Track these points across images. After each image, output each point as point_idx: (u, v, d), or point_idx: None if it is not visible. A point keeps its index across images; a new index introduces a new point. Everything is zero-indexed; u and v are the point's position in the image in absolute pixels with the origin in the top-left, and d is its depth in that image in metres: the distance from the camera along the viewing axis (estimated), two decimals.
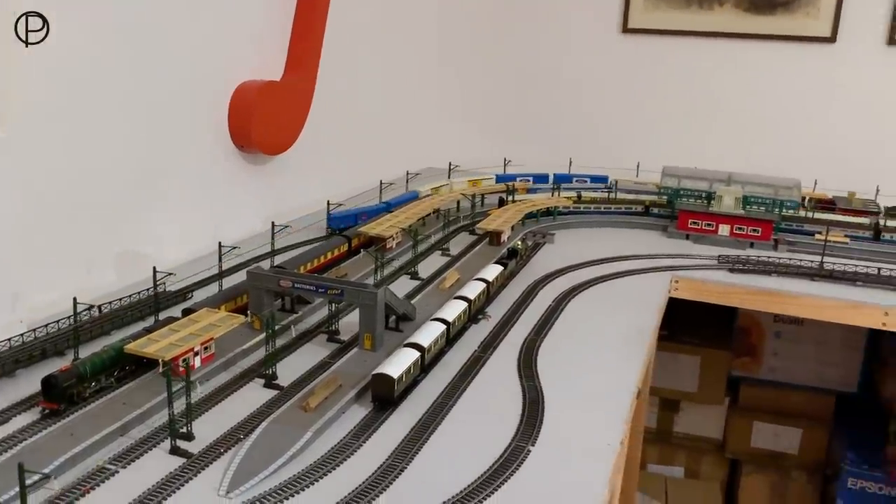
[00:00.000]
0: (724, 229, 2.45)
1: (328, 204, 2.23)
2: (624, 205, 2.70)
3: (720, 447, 2.87)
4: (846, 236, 2.46)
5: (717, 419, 2.86)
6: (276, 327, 1.57)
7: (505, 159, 3.08)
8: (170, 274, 1.59)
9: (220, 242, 1.75)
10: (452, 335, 1.54)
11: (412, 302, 1.74)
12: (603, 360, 1.54)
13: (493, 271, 1.82)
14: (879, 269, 2.12)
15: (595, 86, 3.33)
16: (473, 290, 1.68)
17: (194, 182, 2.05)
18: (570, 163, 3.14)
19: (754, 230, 2.42)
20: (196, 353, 1.36)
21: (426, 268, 2.04)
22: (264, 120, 2.14)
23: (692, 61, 3.16)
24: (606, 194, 2.76)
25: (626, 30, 3.18)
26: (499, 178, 2.88)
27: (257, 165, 2.30)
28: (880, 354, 2.69)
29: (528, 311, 1.77)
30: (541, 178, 2.93)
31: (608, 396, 1.38)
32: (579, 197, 2.73)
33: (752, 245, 2.42)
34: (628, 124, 3.31)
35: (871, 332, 2.19)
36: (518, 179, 2.90)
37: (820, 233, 2.48)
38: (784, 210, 2.52)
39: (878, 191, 2.84)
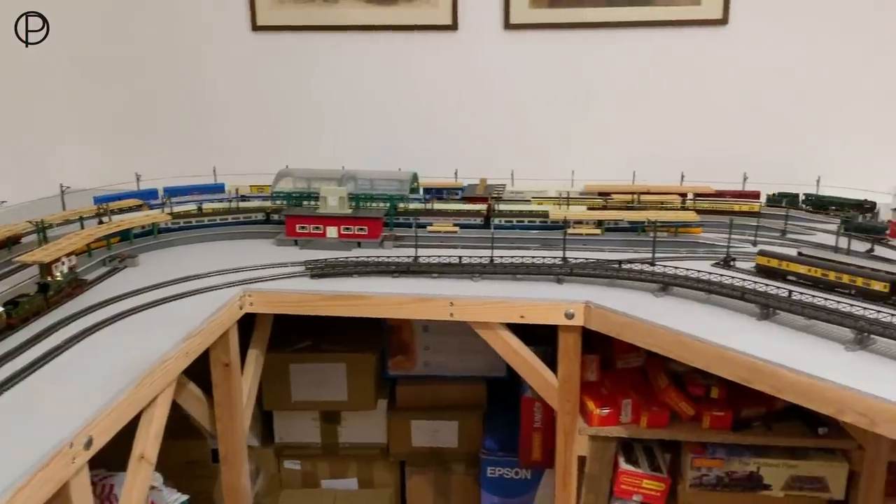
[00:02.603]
0: (332, 231, 2.34)
1: None
2: (243, 214, 2.54)
3: (386, 452, 2.79)
4: (455, 225, 2.44)
5: (379, 424, 2.76)
6: None
7: (137, 175, 2.81)
8: None
9: None
10: None
11: None
12: (57, 407, 1.32)
13: None
14: (461, 257, 2.09)
15: (234, 89, 3.14)
16: None
17: None
18: (215, 171, 2.94)
19: (361, 229, 2.33)
20: None
21: None
22: None
23: (327, 57, 3.06)
24: (228, 204, 2.58)
25: (255, 28, 3.02)
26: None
27: None
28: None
29: (22, 357, 1.53)
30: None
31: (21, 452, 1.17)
32: (200, 209, 2.53)
33: (359, 245, 2.34)
34: (273, 127, 3.15)
35: None
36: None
37: (432, 224, 2.44)
38: (397, 204, 2.46)
39: (512, 175, 2.88)
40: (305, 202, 2.46)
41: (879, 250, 2.26)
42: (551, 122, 2.99)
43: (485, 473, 2.50)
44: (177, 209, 2.49)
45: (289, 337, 2.66)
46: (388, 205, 2.43)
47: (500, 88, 2.99)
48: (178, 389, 1.96)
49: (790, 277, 1.97)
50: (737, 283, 1.83)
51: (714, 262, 2.14)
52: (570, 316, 1.89)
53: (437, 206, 2.54)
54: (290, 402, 2.68)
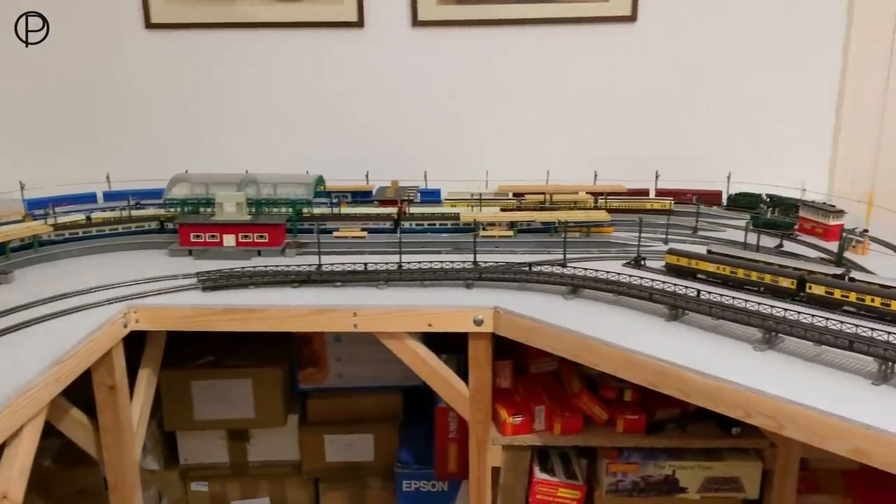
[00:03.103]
0: (229, 240, 2.20)
1: None
2: (136, 223, 2.38)
3: (299, 469, 2.66)
4: (363, 230, 2.34)
5: (290, 440, 2.63)
6: None
7: (21, 183, 2.61)
8: None
9: None
10: None
11: None
12: None
13: None
14: (366, 264, 1.99)
15: (129, 90, 2.94)
16: None
17: None
18: (109, 179, 2.75)
19: (261, 237, 2.20)
20: None
21: None
22: None
23: (228, 56, 2.90)
24: (119, 213, 2.41)
25: (149, 25, 2.84)
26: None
27: None
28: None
29: None
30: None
31: None
32: (88, 219, 2.36)
33: (259, 253, 2.21)
34: (172, 130, 2.98)
35: None
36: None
37: (339, 230, 2.34)
38: (301, 209, 2.35)
39: (426, 176, 2.79)
40: (204, 209, 2.32)
41: (790, 246, 2.27)
42: (464, 122, 2.91)
43: (400, 487, 2.40)
44: (62, 220, 2.31)
45: (189, 352, 2.50)
46: (290, 210, 2.31)
47: (411, 87, 2.90)
48: (57, 416, 1.81)
49: (700, 276, 1.95)
50: (646, 284, 1.78)
51: (625, 261, 2.10)
52: (478, 322, 1.81)
53: (345, 210, 2.43)
54: (193, 421, 2.52)
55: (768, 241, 2.26)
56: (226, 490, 2.69)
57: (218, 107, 2.96)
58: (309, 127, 2.97)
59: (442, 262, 2.02)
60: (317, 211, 2.41)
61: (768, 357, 1.52)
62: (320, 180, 2.45)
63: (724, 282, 1.90)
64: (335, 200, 2.53)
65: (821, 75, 2.85)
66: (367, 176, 2.79)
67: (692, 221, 2.45)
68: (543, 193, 2.52)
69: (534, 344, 1.74)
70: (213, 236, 2.20)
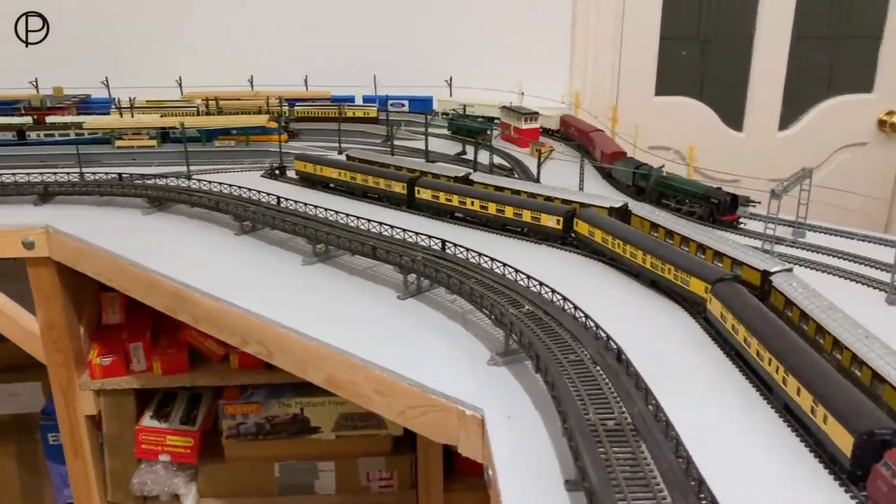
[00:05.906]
0: None
1: None
2: None
3: None
4: None
5: None
6: None
7: None
8: None
9: None
10: None
11: None
12: None
13: None
14: None
15: None
16: None
17: None
18: None
19: None
20: None
21: None
22: None
23: None
24: None
25: None
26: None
27: None
28: None
29: None
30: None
31: None
32: None
33: None
34: None
35: None
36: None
37: None
38: None
39: (107, 82, 2.41)
40: None
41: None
42: (152, 21, 2.50)
43: (46, 441, 2.09)
44: None
45: None
46: None
47: None
48: None
49: (331, 185, 1.68)
50: (223, 193, 1.49)
51: (264, 172, 1.81)
52: (29, 245, 1.48)
53: None
54: None
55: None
56: None
57: None
58: None
59: (59, 174, 1.67)
60: None
61: (315, 271, 1.26)
62: None
63: (350, 190, 1.63)
64: None
65: None
66: (35, 83, 2.38)
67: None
68: (209, 100, 2.18)
69: (80, 268, 1.43)
70: None
